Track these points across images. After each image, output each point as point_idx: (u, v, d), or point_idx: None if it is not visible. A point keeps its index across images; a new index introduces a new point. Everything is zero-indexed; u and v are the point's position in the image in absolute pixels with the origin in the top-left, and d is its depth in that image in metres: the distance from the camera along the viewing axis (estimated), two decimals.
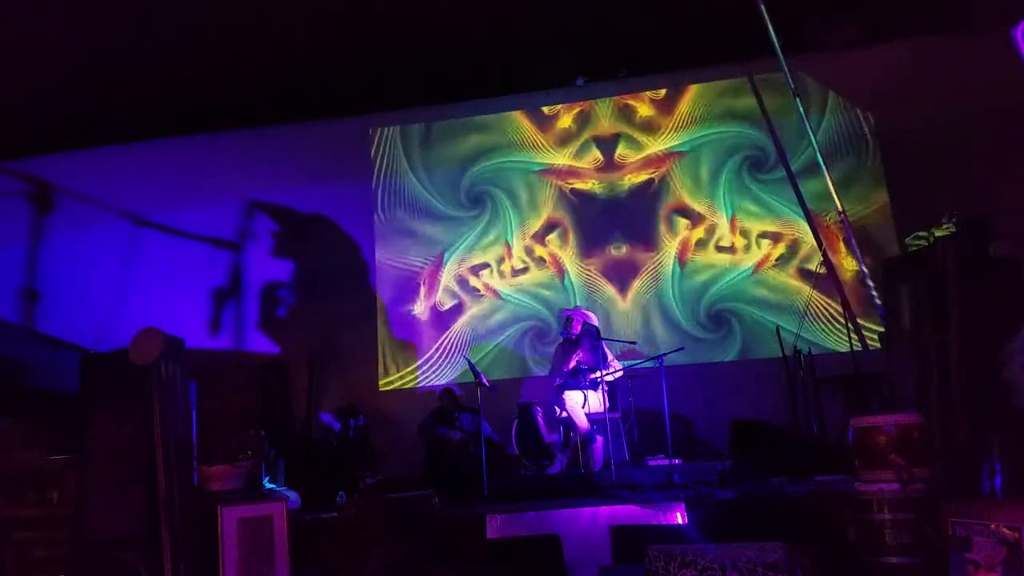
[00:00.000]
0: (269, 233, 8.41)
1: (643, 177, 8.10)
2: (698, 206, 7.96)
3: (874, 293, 6.60)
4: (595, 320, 6.73)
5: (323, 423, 7.61)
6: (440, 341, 8.08)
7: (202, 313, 8.12)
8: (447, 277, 8.23)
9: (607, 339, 6.49)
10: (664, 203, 8.03)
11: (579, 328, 6.61)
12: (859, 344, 6.85)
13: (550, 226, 8.19)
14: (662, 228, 7.98)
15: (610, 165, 8.19)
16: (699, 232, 7.91)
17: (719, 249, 7.84)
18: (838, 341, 7.21)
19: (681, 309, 7.80)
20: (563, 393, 6.38)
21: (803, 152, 7.63)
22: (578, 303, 7.71)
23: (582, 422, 6.25)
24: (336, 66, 7.63)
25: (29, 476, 4.62)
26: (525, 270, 8.15)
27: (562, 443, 6.47)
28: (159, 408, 4.17)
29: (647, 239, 7.98)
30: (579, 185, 8.21)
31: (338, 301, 8.16)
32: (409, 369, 8.06)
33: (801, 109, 7.11)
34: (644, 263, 7.95)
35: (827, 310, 7.40)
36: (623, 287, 7.93)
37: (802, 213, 7.60)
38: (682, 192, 8.02)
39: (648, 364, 6.41)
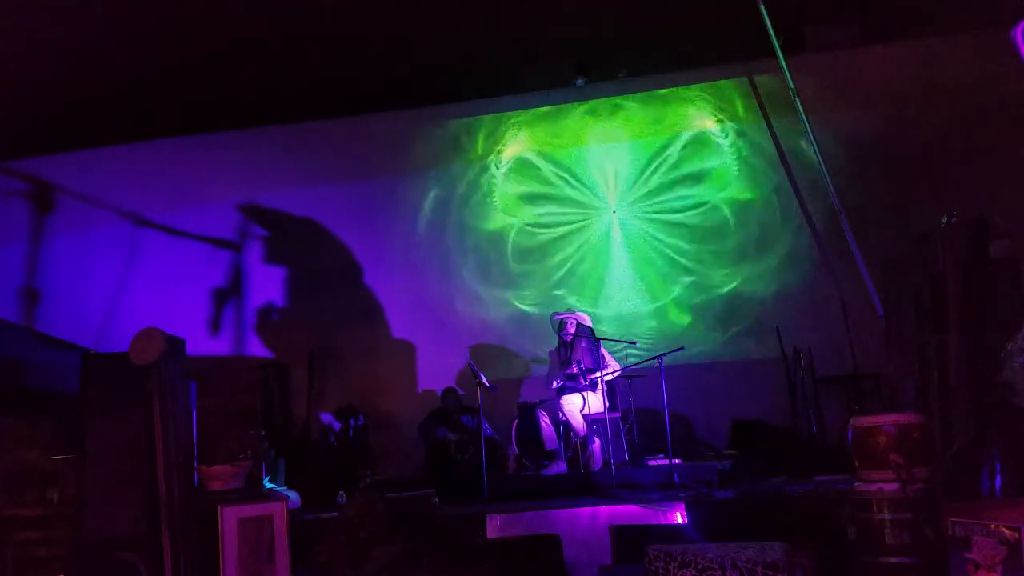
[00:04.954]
0: (269, 233, 8.40)
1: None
2: None
3: (874, 293, 6.60)
4: (588, 321, 6.73)
5: (323, 423, 7.62)
6: (440, 341, 8.07)
7: (202, 313, 8.12)
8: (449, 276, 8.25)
9: (605, 339, 6.48)
10: None
11: (574, 330, 6.61)
12: (858, 344, 6.85)
13: None
14: None
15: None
16: None
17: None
18: (838, 341, 7.20)
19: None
20: (561, 397, 6.38)
21: (803, 152, 7.63)
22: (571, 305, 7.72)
23: (579, 426, 6.24)
24: (335, 66, 7.62)
25: (29, 476, 4.62)
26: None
27: (562, 444, 6.47)
28: (159, 408, 4.17)
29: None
30: None
31: (338, 301, 8.15)
32: (409, 369, 8.06)
33: (801, 109, 7.11)
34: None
35: (827, 310, 7.38)
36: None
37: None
38: None
39: (648, 364, 6.42)
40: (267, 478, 5.81)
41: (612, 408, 6.36)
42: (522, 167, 8.35)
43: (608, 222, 8.13)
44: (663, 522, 4.85)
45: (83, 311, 7.82)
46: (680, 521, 4.84)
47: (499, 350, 8.00)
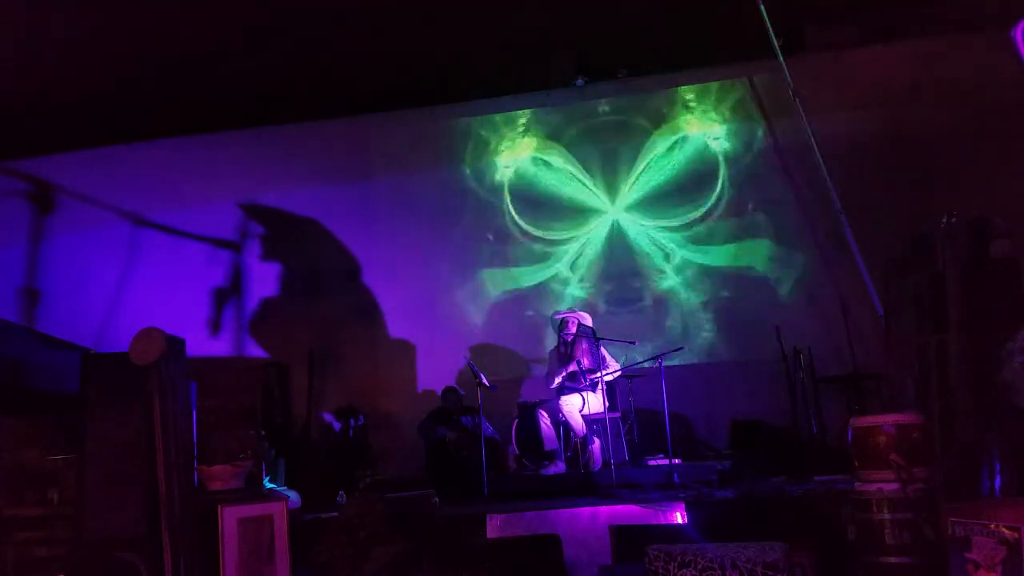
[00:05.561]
0: (269, 233, 8.40)
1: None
2: None
3: (874, 293, 6.60)
4: (590, 321, 6.72)
5: (323, 423, 7.62)
6: (440, 341, 8.06)
7: (202, 313, 8.12)
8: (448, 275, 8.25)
9: (605, 339, 6.48)
10: None
11: (575, 329, 6.61)
12: (858, 344, 6.85)
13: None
14: None
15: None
16: None
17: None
18: (838, 341, 7.19)
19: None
20: (560, 397, 6.37)
21: (803, 152, 7.62)
22: (572, 304, 7.72)
23: (578, 426, 6.24)
24: (335, 66, 7.62)
25: (29, 476, 4.62)
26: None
27: (562, 444, 6.47)
28: (159, 408, 4.17)
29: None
30: None
31: (338, 301, 8.15)
32: (409, 369, 8.06)
33: (801, 109, 7.10)
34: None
35: (827, 310, 7.37)
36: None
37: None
38: None
39: (647, 364, 6.41)
40: (267, 478, 5.81)
41: (612, 408, 6.36)
42: (522, 167, 8.35)
43: (609, 222, 8.12)
44: (663, 522, 4.85)
45: (83, 311, 7.82)
46: (680, 521, 4.84)
47: (499, 350, 8.00)
